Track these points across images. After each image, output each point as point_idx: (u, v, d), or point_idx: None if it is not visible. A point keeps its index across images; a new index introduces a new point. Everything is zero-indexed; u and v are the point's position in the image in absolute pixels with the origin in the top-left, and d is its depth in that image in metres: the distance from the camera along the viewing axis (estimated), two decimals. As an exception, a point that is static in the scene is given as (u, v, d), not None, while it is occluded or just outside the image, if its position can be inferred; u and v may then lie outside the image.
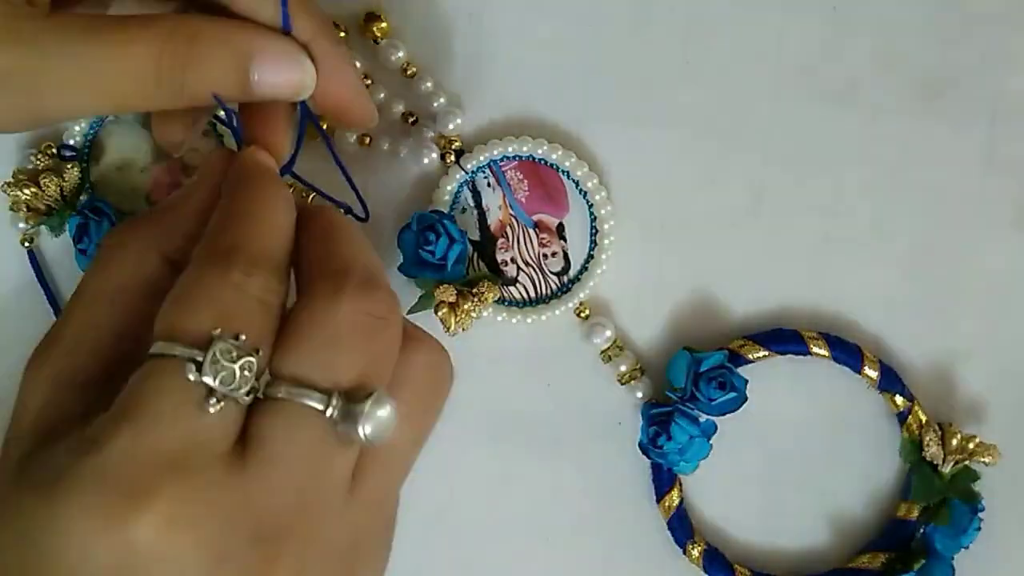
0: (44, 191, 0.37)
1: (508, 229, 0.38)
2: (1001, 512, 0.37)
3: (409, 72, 0.38)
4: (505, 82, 0.38)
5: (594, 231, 0.37)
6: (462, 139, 0.38)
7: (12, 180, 0.37)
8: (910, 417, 0.37)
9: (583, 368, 0.38)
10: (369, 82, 0.38)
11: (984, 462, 0.36)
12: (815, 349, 0.37)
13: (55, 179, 0.37)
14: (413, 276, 0.37)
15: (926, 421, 0.37)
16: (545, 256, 0.38)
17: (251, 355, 0.23)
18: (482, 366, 0.38)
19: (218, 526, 0.23)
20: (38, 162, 0.38)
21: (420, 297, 0.37)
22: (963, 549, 0.36)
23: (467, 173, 0.37)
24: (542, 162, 0.37)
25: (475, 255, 0.38)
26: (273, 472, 0.24)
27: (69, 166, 0.38)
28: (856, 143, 0.38)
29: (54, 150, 0.38)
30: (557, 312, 0.37)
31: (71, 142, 0.38)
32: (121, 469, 0.22)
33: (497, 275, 0.38)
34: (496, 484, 0.38)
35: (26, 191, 0.37)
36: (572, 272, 0.38)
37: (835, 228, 0.38)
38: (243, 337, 0.24)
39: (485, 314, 0.37)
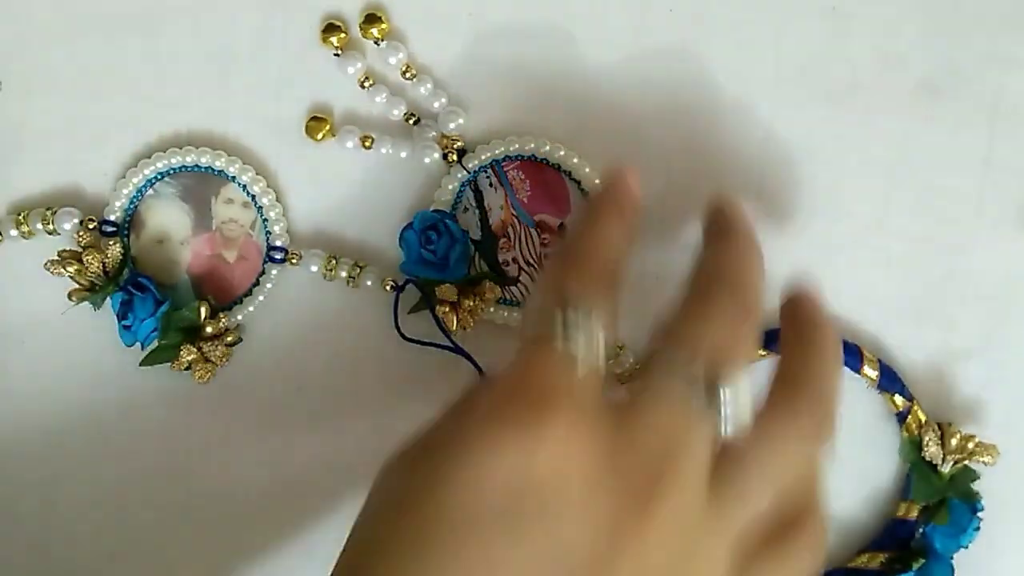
0: (87, 268, 0.37)
1: (510, 229, 0.38)
2: (1000, 512, 0.37)
3: (410, 73, 0.38)
4: (506, 82, 0.38)
5: (595, 231, 0.37)
6: (464, 139, 0.38)
7: (57, 258, 0.37)
8: (909, 417, 0.37)
9: (584, 368, 0.38)
10: (370, 83, 0.38)
11: (983, 462, 0.37)
12: (815, 349, 0.37)
13: (97, 255, 0.37)
14: (415, 275, 0.37)
15: (925, 421, 0.37)
16: (547, 256, 0.38)
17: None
18: (483, 366, 0.38)
19: (598, 463, 0.25)
20: (79, 238, 0.37)
21: (421, 296, 0.37)
22: (962, 548, 0.36)
23: (469, 173, 0.38)
24: (544, 162, 0.38)
25: (477, 255, 0.38)
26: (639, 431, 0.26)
27: (111, 242, 0.37)
28: (856, 143, 0.38)
29: (95, 224, 0.37)
30: (558, 312, 0.37)
31: (112, 217, 0.37)
32: (518, 391, 0.26)
33: (499, 275, 0.38)
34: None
35: (69, 268, 0.37)
36: (573, 272, 0.38)
37: (834, 228, 0.38)
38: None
39: (486, 314, 0.37)
